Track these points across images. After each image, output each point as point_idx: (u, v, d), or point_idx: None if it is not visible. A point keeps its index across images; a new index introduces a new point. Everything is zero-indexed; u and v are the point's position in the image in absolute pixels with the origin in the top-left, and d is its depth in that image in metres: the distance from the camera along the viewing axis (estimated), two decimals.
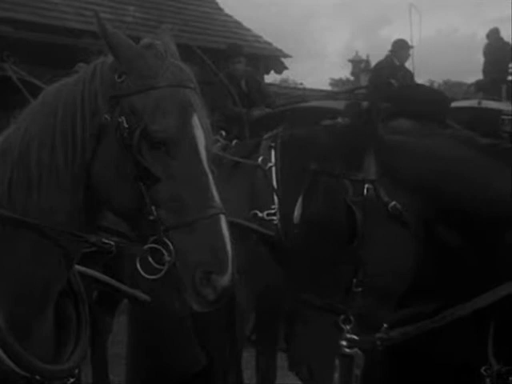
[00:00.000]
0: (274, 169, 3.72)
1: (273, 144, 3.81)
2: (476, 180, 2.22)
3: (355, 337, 2.14)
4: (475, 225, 2.19)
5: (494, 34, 12.90)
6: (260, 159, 3.76)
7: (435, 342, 2.48)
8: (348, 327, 2.14)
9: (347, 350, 2.14)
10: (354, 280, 2.14)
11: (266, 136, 3.93)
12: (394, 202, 2.16)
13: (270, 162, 3.74)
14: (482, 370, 2.24)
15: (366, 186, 2.17)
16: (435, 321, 2.20)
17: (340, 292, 2.16)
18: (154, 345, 3.67)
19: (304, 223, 2.23)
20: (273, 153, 3.77)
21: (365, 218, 2.14)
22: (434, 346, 2.52)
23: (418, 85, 5.90)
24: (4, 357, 2.04)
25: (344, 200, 2.15)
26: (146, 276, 2.03)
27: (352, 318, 2.14)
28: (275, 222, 3.64)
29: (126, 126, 2.02)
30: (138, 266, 2.04)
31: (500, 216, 2.16)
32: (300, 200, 2.27)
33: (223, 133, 4.80)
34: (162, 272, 1.99)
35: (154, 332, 3.63)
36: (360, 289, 2.15)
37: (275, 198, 3.64)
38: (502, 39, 12.80)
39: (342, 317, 2.14)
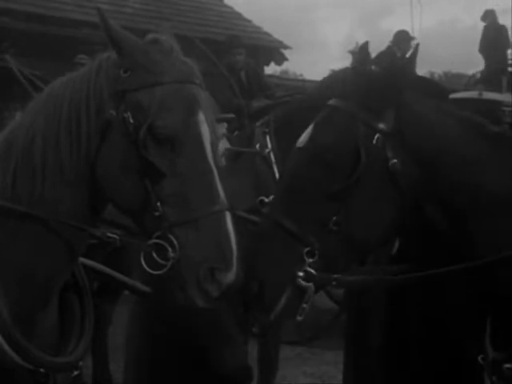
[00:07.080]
0: (272, 153, 3.72)
1: (267, 130, 3.81)
2: (474, 168, 2.20)
3: (313, 272, 2.13)
4: (459, 210, 2.19)
5: (490, 16, 12.74)
6: (257, 146, 3.76)
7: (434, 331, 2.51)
8: (310, 260, 2.12)
9: (302, 282, 2.13)
10: (334, 218, 2.13)
11: (257, 124, 3.93)
12: (395, 160, 2.15)
13: (267, 147, 3.74)
14: (479, 358, 2.26)
15: (378, 135, 2.16)
16: (402, 279, 2.24)
17: (316, 225, 2.14)
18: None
19: (307, 149, 2.21)
20: (268, 138, 3.77)
21: (367, 165, 2.12)
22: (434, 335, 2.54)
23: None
24: (8, 349, 2.04)
25: (355, 141, 2.14)
26: (151, 271, 2.03)
27: (316, 252, 2.12)
28: None
29: (131, 121, 2.02)
30: (143, 261, 2.05)
31: (483, 206, 2.17)
32: (311, 127, 2.25)
33: (225, 124, 4.79)
34: (166, 268, 1.99)
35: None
36: (335, 228, 2.13)
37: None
38: (498, 22, 12.68)
39: (308, 249, 2.13)
